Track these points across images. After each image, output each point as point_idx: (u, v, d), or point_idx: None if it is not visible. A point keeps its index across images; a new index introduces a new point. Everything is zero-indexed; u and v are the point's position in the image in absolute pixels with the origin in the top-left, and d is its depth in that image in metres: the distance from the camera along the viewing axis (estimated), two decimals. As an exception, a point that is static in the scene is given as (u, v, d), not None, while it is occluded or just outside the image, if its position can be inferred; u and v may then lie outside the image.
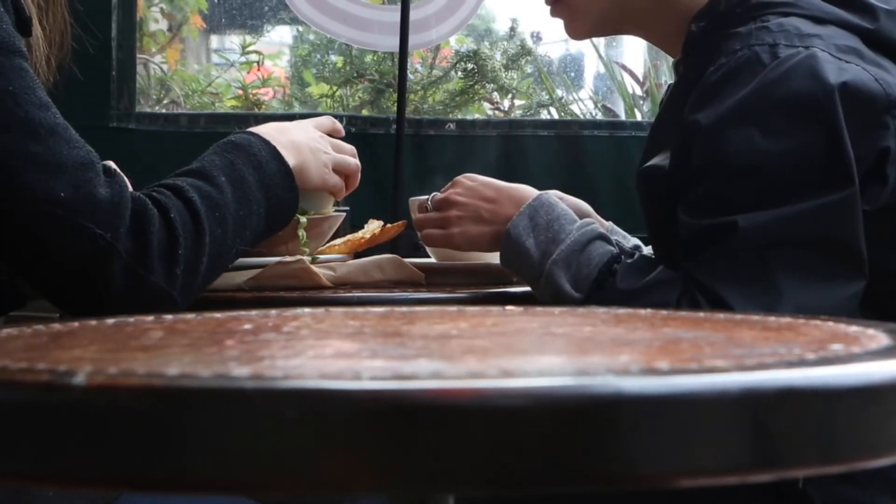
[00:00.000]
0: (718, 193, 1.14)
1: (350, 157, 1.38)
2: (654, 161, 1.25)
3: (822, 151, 1.11)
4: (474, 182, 1.35)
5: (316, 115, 2.49)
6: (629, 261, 1.20)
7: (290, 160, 1.23)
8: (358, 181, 1.40)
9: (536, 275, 1.23)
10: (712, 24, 1.23)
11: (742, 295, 1.10)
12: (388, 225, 1.46)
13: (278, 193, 1.20)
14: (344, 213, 1.43)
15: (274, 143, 1.23)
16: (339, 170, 1.35)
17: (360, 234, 1.47)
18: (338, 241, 1.48)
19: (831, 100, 1.11)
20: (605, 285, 1.18)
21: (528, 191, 1.31)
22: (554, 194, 1.31)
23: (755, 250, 1.11)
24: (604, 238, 1.23)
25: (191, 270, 1.07)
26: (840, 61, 1.14)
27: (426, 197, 1.43)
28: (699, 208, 1.16)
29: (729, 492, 0.67)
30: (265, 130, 1.25)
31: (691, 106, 1.17)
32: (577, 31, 1.38)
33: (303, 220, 1.32)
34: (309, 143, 1.29)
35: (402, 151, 2.01)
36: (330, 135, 1.36)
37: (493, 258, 1.39)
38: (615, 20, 1.35)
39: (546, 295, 1.23)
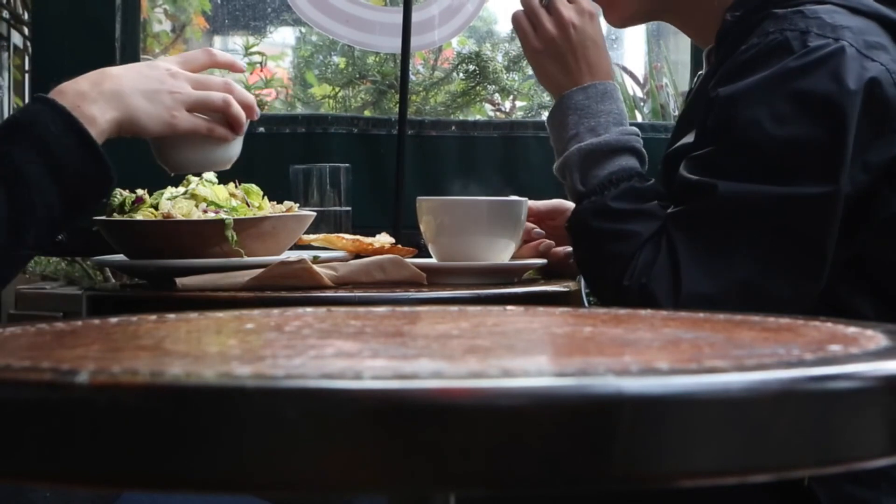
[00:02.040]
0: (712, 157, 1.18)
1: (217, 90, 1.21)
2: (683, 141, 1.28)
3: (821, 147, 1.13)
4: (591, 28, 1.32)
5: (317, 115, 2.50)
6: (636, 184, 1.24)
7: (107, 115, 1.10)
8: (237, 114, 1.22)
9: (561, 148, 1.29)
10: (747, 13, 1.24)
11: (694, 255, 1.14)
12: (399, 246, 1.46)
13: (79, 170, 1.08)
14: (311, 215, 1.42)
15: (72, 108, 1.08)
16: (199, 108, 1.19)
17: (370, 240, 1.47)
18: (347, 236, 1.48)
19: (846, 102, 1.13)
20: (602, 193, 1.24)
21: (607, 64, 1.33)
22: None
23: (723, 216, 1.15)
24: (635, 153, 1.28)
25: None
26: (865, 58, 1.15)
27: (435, 199, 1.44)
28: (692, 164, 1.19)
29: (733, 491, 0.67)
30: (72, 89, 1.11)
31: (718, 80, 1.20)
32: (616, 18, 1.42)
33: (228, 220, 1.30)
34: (144, 85, 1.14)
35: (404, 152, 2.02)
36: (217, 66, 1.22)
37: (493, 258, 1.40)
38: (653, 9, 1.38)
39: (558, 171, 1.31)
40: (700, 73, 1.41)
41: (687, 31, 1.42)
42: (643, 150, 1.30)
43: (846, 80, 1.13)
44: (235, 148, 1.28)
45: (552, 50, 1.31)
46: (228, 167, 1.30)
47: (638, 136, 1.30)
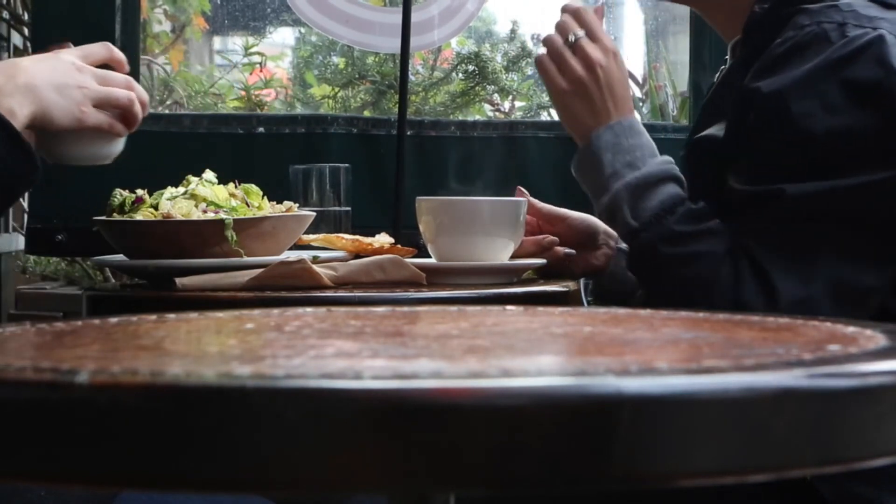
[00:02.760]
0: (770, 161, 1.18)
1: (120, 87, 1.21)
2: (709, 131, 1.28)
3: (876, 132, 1.14)
4: (615, 65, 1.31)
5: (317, 115, 2.50)
6: (692, 206, 1.23)
7: (24, 109, 1.10)
8: (137, 112, 1.23)
9: (601, 189, 1.27)
10: (776, 5, 1.24)
11: (781, 263, 1.14)
12: (399, 246, 1.46)
13: (7, 164, 1.07)
14: (311, 215, 1.42)
15: None
16: (104, 104, 1.20)
17: (369, 240, 1.47)
18: (347, 236, 1.48)
19: (894, 84, 1.13)
20: (662, 221, 1.22)
21: (630, 100, 1.32)
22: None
23: (798, 220, 1.15)
24: (678, 181, 1.27)
25: None
26: None
27: (434, 199, 1.43)
28: (749, 174, 1.19)
29: (737, 489, 0.67)
30: None
31: (753, 74, 1.20)
32: None
33: (228, 220, 1.30)
34: (54, 79, 1.14)
35: (404, 152, 2.02)
36: (108, 65, 1.22)
37: (493, 258, 1.40)
38: None
39: (604, 213, 1.28)
40: (723, 66, 1.41)
41: (713, 19, 1.41)
42: (681, 175, 1.29)
43: (891, 62, 1.14)
44: (122, 144, 1.29)
45: (580, 91, 1.30)
46: (109, 162, 1.30)
47: (672, 162, 1.29)
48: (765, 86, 1.17)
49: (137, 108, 1.23)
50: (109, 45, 1.25)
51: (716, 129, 1.27)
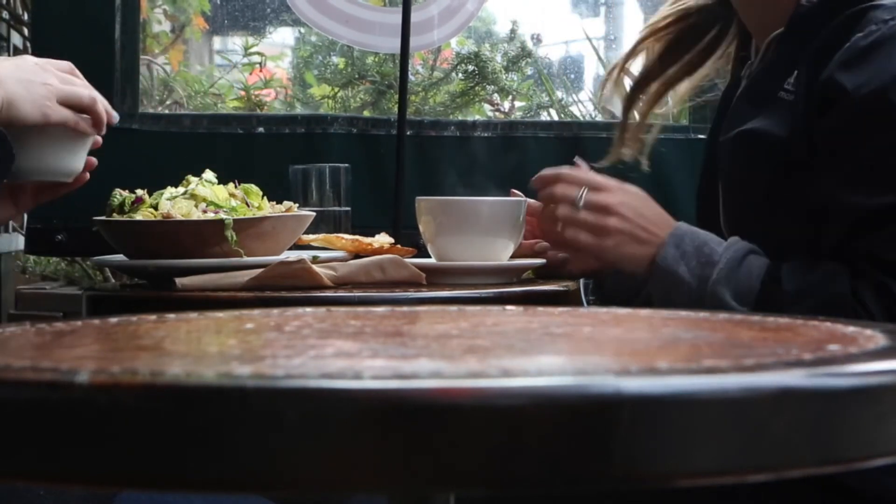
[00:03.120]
0: (889, 164, 1.14)
1: (82, 88, 1.23)
2: (755, 124, 1.24)
3: None
4: (632, 196, 1.28)
5: (316, 115, 2.50)
6: (788, 265, 1.18)
7: None
8: (101, 113, 1.24)
9: (696, 299, 1.20)
10: (826, 1, 1.23)
11: None
12: (399, 246, 1.46)
13: None
14: (310, 215, 1.42)
15: None
16: (68, 102, 1.21)
17: (369, 240, 1.47)
18: (347, 236, 1.48)
19: None
20: (773, 291, 1.16)
21: (664, 213, 1.27)
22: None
23: None
24: (755, 251, 1.22)
25: None
26: None
27: (434, 199, 1.42)
28: (867, 183, 1.15)
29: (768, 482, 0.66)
30: None
31: (836, 68, 1.16)
32: None
33: (228, 220, 1.30)
34: (18, 75, 1.16)
35: (404, 152, 2.01)
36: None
37: (492, 258, 1.40)
38: None
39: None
40: (751, 61, 1.38)
41: (747, 14, 1.36)
42: (753, 246, 1.23)
43: None
44: (83, 159, 1.27)
45: (620, 238, 1.25)
46: (70, 180, 1.29)
47: (739, 239, 1.24)
48: (851, 82, 1.14)
49: (101, 108, 1.23)
50: (70, 63, 1.26)
51: (765, 122, 1.23)
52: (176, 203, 1.34)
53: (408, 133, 2.06)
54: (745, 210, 1.30)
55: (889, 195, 1.14)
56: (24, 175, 1.24)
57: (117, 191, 1.39)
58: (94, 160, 1.28)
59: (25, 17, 3.09)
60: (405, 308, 0.83)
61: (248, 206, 1.37)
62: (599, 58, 3.20)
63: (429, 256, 1.49)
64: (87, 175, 1.29)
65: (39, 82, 1.18)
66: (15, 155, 1.15)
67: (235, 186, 1.40)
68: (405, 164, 1.89)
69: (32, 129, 1.20)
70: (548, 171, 1.31)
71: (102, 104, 1.24)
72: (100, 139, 1.27)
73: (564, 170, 1.30)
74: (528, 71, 3.02)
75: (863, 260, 1.14)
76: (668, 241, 1.23)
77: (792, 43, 1.26)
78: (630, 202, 1.26)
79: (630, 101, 1.50)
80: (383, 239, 1.48)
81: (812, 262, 1.18)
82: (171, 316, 0.77)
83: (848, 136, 1.16)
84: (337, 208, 1.69)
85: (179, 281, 1.27)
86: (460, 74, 2.92)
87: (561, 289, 1.38)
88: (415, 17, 2.15)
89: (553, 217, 1.29)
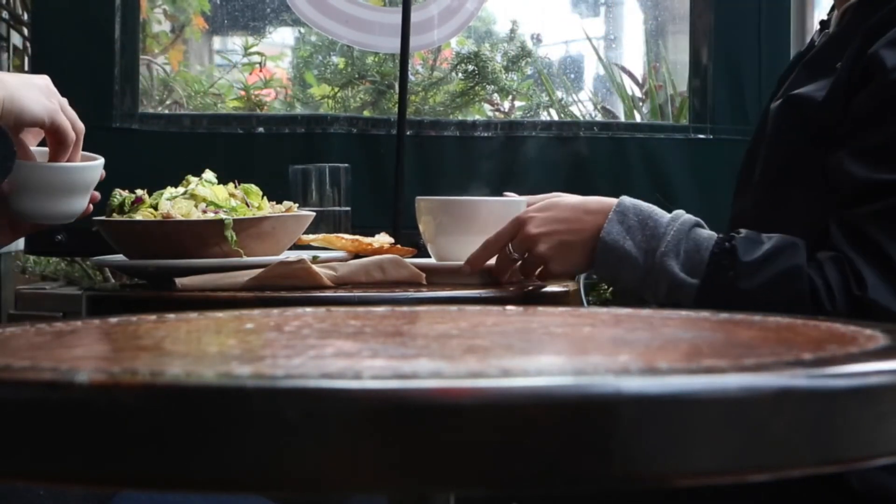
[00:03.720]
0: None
1: (76, 122, 1.21)
2: (805, 90, 1.23)
3: None
4: (544, 212, 1.31)
5: (316, 115, 2.50)
6: (740, 236, 1.18)
7: None
8: (69, 147, 1.21)
9: (643, 273, 1.21)
10: None
11: None
12: (399, 246, 1.46)
13: None
14: (310, 215, 1.42)
15: None
16: (62, 125, 1.19)
17: (369, 240, 1.47)
18: (347, 236, 1.48)
19: None
20: (724, 263, 1.16)
21: (601, 199, 1.29)
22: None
23: None
24: (701, 224, 1.23)
25: None
26: None
27: (434, 199, 1.43)
28: (876, 157, 1.14)
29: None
30: None
31: (883, 44, 1.15)
32: None
33: (227, 220, 1.30)
34: (20, 79, 1.17)
35: (403, 152, 2.02)
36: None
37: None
38: None
39: (657, 288, 1.21)
40: (827, 30, 1.36)
41: None
42: (698, 219, 1.25)
43: None
44: (84, 203, 1.25)
45: (558, 249, 1.28)
46: (72, 220, 1.27)
47: (683, 212, 1.25)
48: (890, 57, 1.13)
49: (71, 140, 1.21)
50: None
51: (813, 88, 1.23)
52: (176, 203, 1.34)
53: (408, 133, 2.06)
54: (779, 175, 1.30)
55: (890, 173, 1.13)
56: (26, 218, 1.23)
57: (117, 191, 1.39)
58: (98, 195, 1.27)
59: (25, 17, 3.09)
60: (405, 308, 0.83)
61: (248, 206, 1.37)
62: (599, 58, 3.20)
63: (429, 256, 1.49)
64: (91, 207, 1.28)
65: (45, 87, 1.18)
66: (15, 153, 1.14)
67: (235, 186, 1.40)
68: (405, 164, 1.89)
69: (36, 172, 1.19)
70: (475, 255, 1.35)
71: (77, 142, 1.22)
72: (98, 195, 1.26)
73: (488, 241, 1.35)
74: (528, 71, 3.02)
75: (842, 229, 1.14)
76: (611, 218, 1.24)
77: (861, 15, 1.25)
78: (543, 219, 1.30)
79: None
80: (383, 239, 1.48)
81: (761, 235, 1.18)
82: (171, 316, 0.77)
83: (873, 112, 1.15)
84: (337, 208, 1.69)
85: (179, 281, 1.27)
86: (460, 74, 2.92)
87: (561, 289, 1.38)
88: (415, 17, 2.15)
89: (506, 271, 1.35)
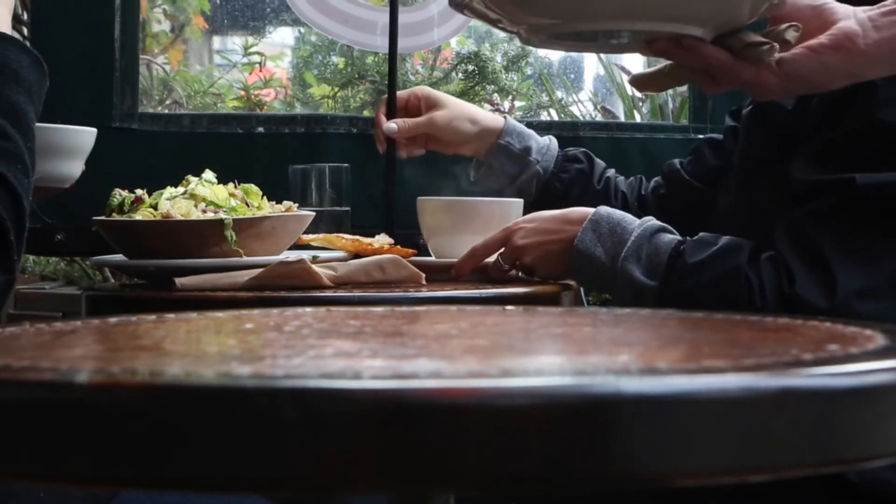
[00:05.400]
0: (842, 148, 1.16)
1: None
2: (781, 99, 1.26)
3: None
4: (530, 223, 1.38)
5: (316, 115, 2.50)
6: (693, 238, 1.24)
7: (8, 19, 1.12)
8: None
9: (610, 276, 1.27)
10: None
11: (843, 253, 1.13)
12: (399, 247, 1.47)
13: (38, 93, 1.09)
14: (310, 215, 1.42)
15: (7, 27, 1.10)
16: None
17: (369, 240, 1.47)
18: (347, 236, 1.49)
19: None
20: (677, 264, 1.22)
21: (582, 209, 1.35)
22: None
23: (867, 211, 1.13)
24: (666, 230, 1.28)
25: (20, 239, 0.99)
26: None
27: (435, 199, 1.47)
28: (819, 159, 1.17)
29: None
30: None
31: None
32: None
33: (227, 220, 1.30)
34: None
35: (395, 152, 2.01)
36: None
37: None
38: None
39: (623, 292, 1.26)
40: None
41: None
42: (665, 224, 1.30)
43: None
44: (80, 167, 1.29)
45: (542, 259, 1.35)
46: (67, 186, 1.29)
47: (652, 218, 1.30)
48: None
49: None
50: None
51: (786, 99, 1.25)
52: (175, 203, 1.34)
53: (407, 133, 2.05)
54: (750, 179, 1.33)
55: (829, 174, 1.16)
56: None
57: (117, 190, 1.38)
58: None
59: (25, 16, 3.09)
60: (405, 308, 0.83)
61: (248, 206, 1.37)
62: (599, 58, 3.21)
63: (429, 256, 1.49)
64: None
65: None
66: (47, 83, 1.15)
67: (235, 186, 1.40)
68: (405, 164, 1.89)
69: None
70: (462, 261, 1.42)
71: None
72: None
73: (476, 248, 1.42)
74: (528, 71, 3.03)
75: (783, 229, 1.18)
76: (585, 227, 1.31)
77: None
78: (529, 230, 1.37)
79: None
80: (383, 239, 1.48)
81: (714, 237, 1.23)
82: (171, 316, 0.77)
83: (822, 117, 1.18)
84: (337, 208, 1.69)
85: (179, 281, 1.27)
86: (460, 74, 2.92)
87: (561, 289, 1.38)
88: (415, 16, 2.15)
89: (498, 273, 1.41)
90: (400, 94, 1.67)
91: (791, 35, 1.01)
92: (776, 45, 1.00)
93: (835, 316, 1.11)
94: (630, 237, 1.26)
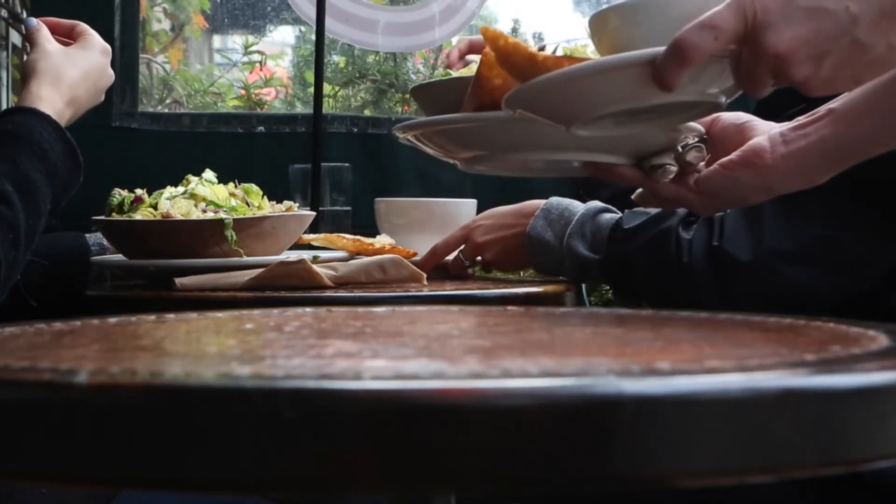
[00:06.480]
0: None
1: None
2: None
3: None
4: (488, 220, 1.45)
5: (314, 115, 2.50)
6: (630, 210, 1.31)
7: (67, 113, 1.17)
8: None
9: (559, 257, 1.35)
10: None
11: (777, 213, 1.16)
12: (400, 247, 1.47)
13: (63, 179, 1.13)
14: (311, 215, 1.42)
15: (57, 115, 1.14)
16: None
17: (370, 240, 1.48)
18: (348, 236, 1.49)
19: None
20: (615, 235, 1.30)
21: (536, 202, 1.41)
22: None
23: None
24: (609, 210, 1.36)
25: None
26: None
27: (390, 200, 1.54)
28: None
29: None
30: (46, 94, 1.16)
31: None
32: None
33: (227, 220, 1.30)
34: (88, 84, 1.23)
35: (320, 148, 2.02)
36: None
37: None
38: None
39: (570, 269, 1.35)
40: None
41: None
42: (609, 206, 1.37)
43: None
44: None
45: (502, 253, 1.43)
46: None
47: (597, 201, 1.38)
48: None
49: None
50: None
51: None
52: (175, 203, 1.34)
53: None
54: None
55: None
56: None
57: (116, 190, 1.38)
58: None
59: (24, 15, 3.09)
60: (405, 308, 0.83)
61: (248, 205, 1.37)
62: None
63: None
64: None
65: (106, 76, 1.26)
66: (81, 174, 1.18)
67: (235, 186, 1.40)
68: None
69: None
70: (423, 260, 1.49)
71: None
72: None
73: (437, 246, 1.49)
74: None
75: None
76: (537, 215, 1.39)
77: None
78: (487, 227, 1.44)
79: None
80: (384, 239, 1.48)
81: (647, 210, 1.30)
82: (171, 316, 0.77)
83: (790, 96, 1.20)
84: (337, 208, 1.69)
85: (179, 281, 1.27)
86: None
87: (561, 289, 1.38)
88: (416, 15, 2.15)
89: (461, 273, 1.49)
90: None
91: (693, 156, 1.04)
92: (675, 168, 1.03)
93: (756, 274, 1.16)
94: (575, 216, 1.35)
